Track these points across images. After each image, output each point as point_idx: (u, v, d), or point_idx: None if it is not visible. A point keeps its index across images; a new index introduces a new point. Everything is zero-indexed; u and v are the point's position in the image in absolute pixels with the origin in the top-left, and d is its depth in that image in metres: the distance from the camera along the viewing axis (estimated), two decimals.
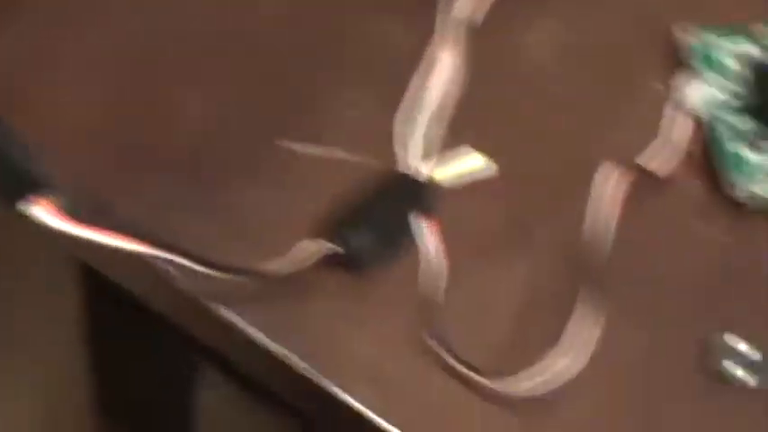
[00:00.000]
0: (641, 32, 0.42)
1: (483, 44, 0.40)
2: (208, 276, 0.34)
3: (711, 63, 0.40)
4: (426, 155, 0.38)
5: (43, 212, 0.29)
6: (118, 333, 0.62)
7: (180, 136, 0.38)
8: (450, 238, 0.37)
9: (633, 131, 0.40)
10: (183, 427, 0.70)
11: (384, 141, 0.38)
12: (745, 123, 0.39)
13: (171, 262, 0.34)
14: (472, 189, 0.38)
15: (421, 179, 0.37)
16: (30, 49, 0.39)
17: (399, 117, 0.39)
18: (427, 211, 0.37)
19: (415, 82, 0.39)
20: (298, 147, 0.38)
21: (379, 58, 0.41)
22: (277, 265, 0.34)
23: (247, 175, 0.38)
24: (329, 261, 0.35)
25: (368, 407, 0.34)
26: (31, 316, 0.75)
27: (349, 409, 0.35)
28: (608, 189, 0.37)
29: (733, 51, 0.40)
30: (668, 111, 0.40)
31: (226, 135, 0.39)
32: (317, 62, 0.40)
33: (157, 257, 0.33)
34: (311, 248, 0.35)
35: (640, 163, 0.39)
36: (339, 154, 0.38)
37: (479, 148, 0.39)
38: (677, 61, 0.41)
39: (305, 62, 0.40)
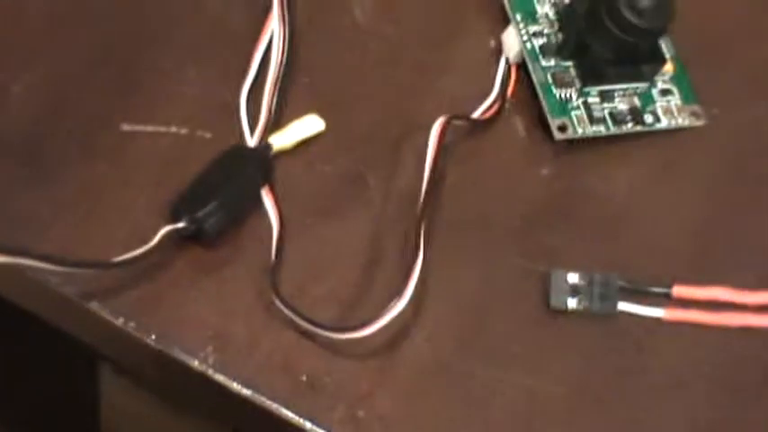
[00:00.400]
0: None
1: (310, 7, 0.42)
2: (66, 273, 0.35)
3: (530, 11, 0.42)
4: (264, 123, 0.39)
5: None
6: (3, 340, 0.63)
7: (14, 121, 0.39)
8: (291, 200, 0.38)
9: (459, 80, 0.42)
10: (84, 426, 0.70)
11: (222, 114, 0.39)
12: (563, 66, 0.41)
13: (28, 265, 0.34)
14: (306, 149, 0.40)
15: (262, 148, 0.38)
16: None
17: (244, 89, 0.40)
18: (268, 179, 0.38)
19: (254, 54, 0.40)
20: (135, 126, 0.39)
21: (205, 30, 0.41)
22: (137, 253, 0.35)
23: (86, 157, 0.38)
24: (178, 237, 0.36)
25: (217, 370, 0.35)
26: None
27: (201, 374, 0.36)
28: (435, 137, 0.38)
29: (551, 0, 0.42)
30: (491, 59, 0.42)
31: (58, 115, 0.39)
32: (147, 41, 0.41)
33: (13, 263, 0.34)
34: (167, 230, 0.36)
35: (466, 110, 0.41)
36: (173, 129, 0.39)
37: (310, 109, 0.40)
38: (500, 13, 0.43)
39: (136, 41, 0.41)
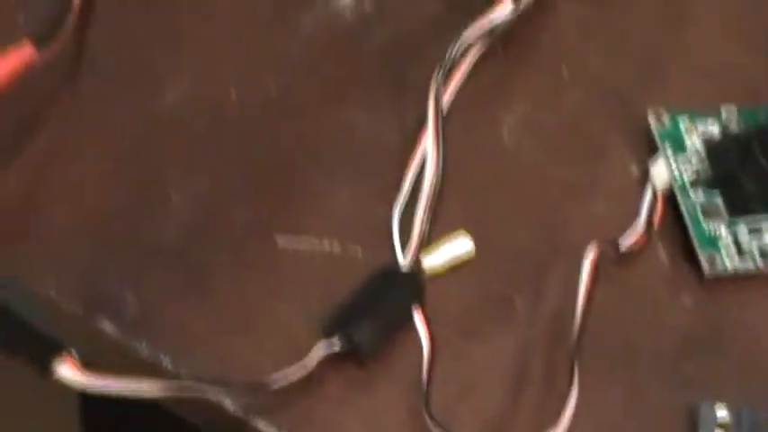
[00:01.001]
0: (609, 114, 0.44)
1: (458, 127, 0.43)
2: (231, 393, 0.36)
3: (678, 143, 0.43)
4: (417, 243, 0.40)
5: (71, 372, 0.30)
6: None
7: (172, 229, 0.40)
8: (438, 318, 0.39)
9: (604, 205, 0.42)
10: None
11: (372, 232, 0.40)
12: (709, 198, 0.42)
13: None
14: (454, 269, 0.40)
15: (417, 271, 0.39)
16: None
17: (396, 209, 0.40)
18: (420, 299, 0.38)
19: (407, 175, 0.41)
20: (287, 239, 0.40)
21: (358, 149, 0.42)
22: (289, 372, 0.36)
23: (240, 268, 0.39)
24: (333, 355, 0.37)
25: None
26: None
27: None
28: (589, 265, 0.39)
29: (697, 131, 0.43)
30: (637, 185, 0.43)
31: (213, 228, 0.40)
32: (302, 158, 0.42)
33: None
34: (323, 348, 0.37)
35: (611, 235, 0.41)
36: (325, 245, 0.40)
37: (458, 228, 0.41)
38: (648, 142, 0.43)
39: (291, 158, 0.42)
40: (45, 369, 0.30)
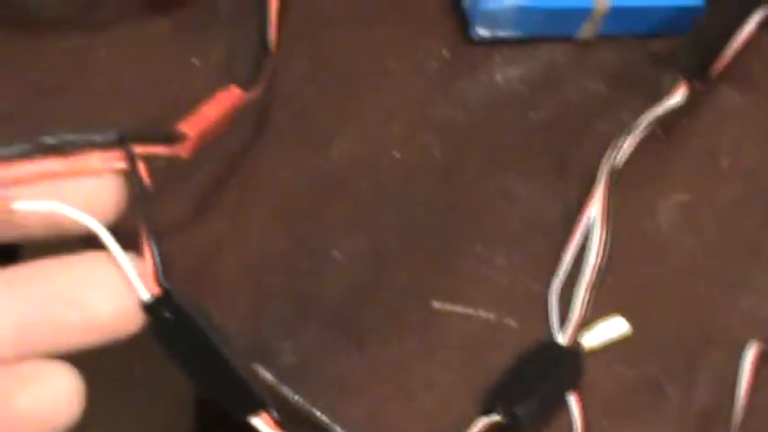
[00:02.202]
0: None
1: (615, 212, 0.43)
2: None
3: None
4: (577, 320, 0.40)
5: (265, 427, 0.31)
6: None
7: (333, 287, 0.41)
8: (589, 398, 0.39)
9: (758, 299, 0.43)
10: None
11: (529, 305, 0.41)
12: None
13: None
14: (607, 350, 0.41)
15: (573, 348, 0.40)
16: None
17: (554, 284, 0.41)
18: (577, 379, 0.39)
19: (567, 250, 0.41)
20: (445, 305, 0.41)
21: (517, 221, 0.43)
22: None
23: (397, 329, 0.40)
24: (491, 428, 0.38)
25: None
26: None
27: None
28: (750, 362, 0.39)
29: None
30: None
31: (372, 285, 0.41)
32: (461, 224, 0.43)
33: None
34: (485, 422, 0.37)
35: (765, 332, 0.41)
36: (481, 313, 0.41)
37: (612, 310, 0.41)
38: None
39: (449, 224, 0.43)
40: (244, 416, 0.31)
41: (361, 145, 0.44)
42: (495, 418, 0.37)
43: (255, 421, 0.30)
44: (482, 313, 0.41)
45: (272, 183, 0.42)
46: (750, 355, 0.39)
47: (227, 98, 0.35)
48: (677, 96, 0.42)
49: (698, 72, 0.43)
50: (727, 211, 0.44)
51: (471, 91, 0.45)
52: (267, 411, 0.30)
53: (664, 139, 0.45)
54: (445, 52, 0.46)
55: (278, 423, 0.30)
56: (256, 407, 0.30)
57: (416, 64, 0.45)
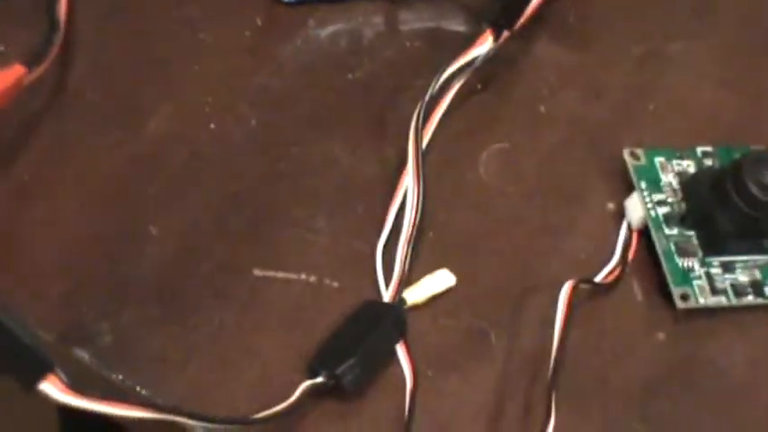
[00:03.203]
0: (586, 153, 0.45)
1: (437, 164, 0.43)
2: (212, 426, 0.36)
3: (653, 181, 0.43)
4: (399, 277, 0.40)
5: (54, 390, 0.30)
6: None
7: (151, 263, 0.40)
8: (416, 353, 0.39)
9: (580, 242, 0.43)
10: None
11: (351, 266, 0.40)
12: (684, 235, 0.42)
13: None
14: (432, 303, 0.41)
15: (400, 305, 0.39)
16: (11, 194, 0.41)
17: (379, 244, 0.41)
18: (403, 334, 0.39)
19: (389, 210, 0.41)
20: (266, 272, 0.40)
21: (336, 185, 0.42)
22: (276, 409, 0.36)
23: (218, 301, 0.39)
24: (316, 390, 0.37)
25: None
26: None
27: None
28: (564, 302, 0.39)
29: (672, 169, 0.44)
30: (612, 223, 0.43)
31: (192, 260, 0.40)
32: (279, 190, 0.42)
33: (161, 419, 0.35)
34: (308, 385, 0.37)
35: (586, 272, 0.41)
36: (303, 277, 0.40)
37: (436, 264, 0.41)
38: (624, 180, 0.44)
39: (268, 191, 0.42)
40: (31, 384, 0.30)
41: (177, 119, 0.43)
42: (319, 380, 0.37)
43: (44, 386, 0.29)
44: (304, 277, 0.40)
45: (84, 161, 0.41)
46: (563, 293, 0.39)
47: (9, 75, 0.34)
48: (484, 45, 0.42)
49: (504, 19, 0.43)
50: (547, 158, 0.44)
51: (286, 57, 0.45)
52: (55, 374, 0.29)
53: (481, 90, 0.45)
54: (258, 20, 0.45)
55: (68, 386, 0.29)
56: (44, 371, 0.29)
57: (229, 34, 0.45)
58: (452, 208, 0.43)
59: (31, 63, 0.36)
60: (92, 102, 0.43)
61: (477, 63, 0.43)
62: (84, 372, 0.37)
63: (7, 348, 0.29)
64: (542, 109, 0.45)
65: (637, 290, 0.42)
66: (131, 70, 0.44)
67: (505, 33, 0.43)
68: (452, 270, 0.41)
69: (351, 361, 0.37)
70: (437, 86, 0.42)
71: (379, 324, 0.39)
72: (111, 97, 0.43)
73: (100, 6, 0.44)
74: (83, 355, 0.37)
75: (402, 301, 0.40)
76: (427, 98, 0.42)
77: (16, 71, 0.35)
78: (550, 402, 0.37)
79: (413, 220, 0.40)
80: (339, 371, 0.37)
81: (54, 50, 0.39)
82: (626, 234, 0.42)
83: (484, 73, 0.45)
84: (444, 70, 0.42)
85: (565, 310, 0.39)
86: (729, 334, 0.42)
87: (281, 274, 0.40)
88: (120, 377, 0.37)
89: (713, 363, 0.41)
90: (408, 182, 0.41)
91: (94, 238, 0.40)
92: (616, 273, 0.42)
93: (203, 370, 0.38)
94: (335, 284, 0.40)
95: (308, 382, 0.37)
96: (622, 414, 0.39)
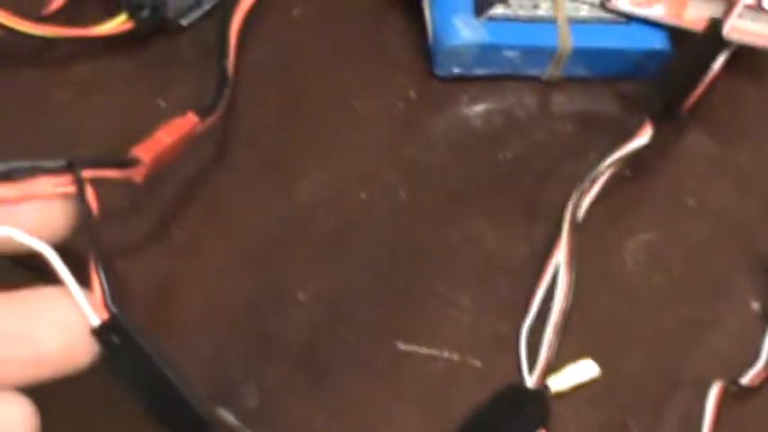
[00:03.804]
0: (734, 248, 0.44)
1: (584, 252, 0.42)
2: None
3: None
4: (545, 363, 0.40)
5: None
6: None
7: (297, 327, 0.40)
8: None
9: (724, 340, 0.42)
10: None
11: (495, 348, 0.40)
12: None
13: None
14: (574, 392, 0.40)
15: (543, 392, 0.39)
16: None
17: (523, 325, 0.40)
18: (545, 423, 0.38)
19: (536, 293, 0.41)
20: (410, 346, 0.40)
21: (482, 262, 0.42)
22: None
23: (360, 369, 0.39)
24: None
25: None
26: None
27: None
28: (713, 403, 0.39)
29: None
30: (757, 321, 0.43)
31: (335, 327, 0.40)
32: (426, 265, 0.42)
33: None
34: None
35: (731, 372, 0.41)
36: (446, 354, 0.40)
37: (580, 350, 0.41)
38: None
39: (414, 264, 0.42)
40: None
41: (327, 185, 0.43)
42: None
43: None
44: (447, 354, 0.40)
45: (236, 221, 0.42)
46: (713, 394, 0.38)
47: (183, 124, 0.35)
48: (643, 137, 0.42)
49: (664, 113, 0.43)
50: (694, 251, 0.44)
51: (437, 131, 0.45)
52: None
53: (631, 178, 0.45)
54: (412, 92, 0.46)
55: None
56: (203, 430, 0.30)
57: (383, 104, 0.45)
58: (598, 295, 0.42)
59: (202, 114, 0.36)
60: (247, 159, 0.43)
61: (631, 154, 0.43)
62: None
63: (170, 404, 0.29)
64: (690, 201, 0.45)
65: None
66: (286, 131, 0.44)
67: (665, 126, 0.43)
68: (595, 358, 0.41)
69: None
70: (595, 174, 0.42)
71: (523, 410, 0.38)
72: (264, 156, 0.44)
73: (261, 65, 0.45)
74: (228, 415, 0.38)
75: (546, 388, 0.39)
76: (585, 185, 0.41)
77: (190, 120, 0.35)
78: None
79: (562, 307, 0.40)
80: None
81: (224, 103, 0.39)
82: None
83: (634, 160, 0.45)
84: (605, 159, 0.42)
85: (714, 408, 0.38)
86: None
87: (423, 349, 0.40)
88: None
89: None
90: (561, 266, 0.41)
91: (240, 297, 0.40)
92: (763, 375, 0.41)
93: None
94: (478, 364, 0.40)
95: None
96: None
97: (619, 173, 0.44)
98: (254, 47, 0.45)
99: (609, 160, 0.42)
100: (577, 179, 0.43)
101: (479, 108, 0.46)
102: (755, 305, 0.43)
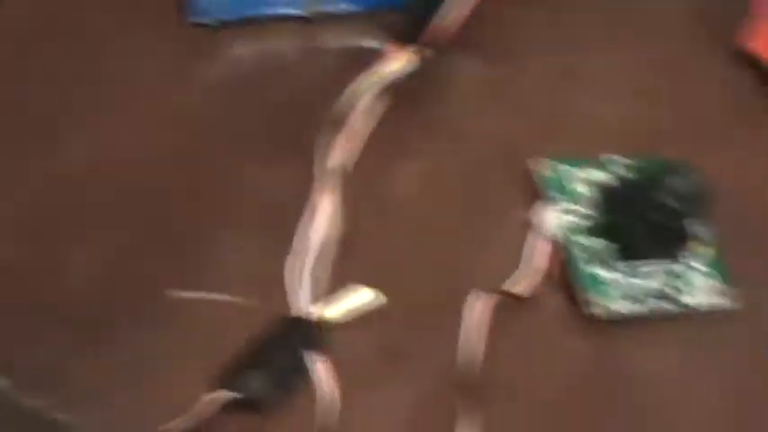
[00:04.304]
0: (503, 167, 0.45)
1: (356, 185, 0.43)
2: None
3: (565, 191, 0.44)
4: (315, 295, 0.40)
5: None
6: None
7: (71, 289, 0.40)
8: (335, 370, 0.39)
9: (498, 257, 0.43)
10: None
11: (270, 285, 0.41)
12: (597, 244, 0.43)
13: None
14: (350, 320, 0.41)
15: (312, 320, 0.40)
16: None
17: (288, 262, 0.41)
18: (320, 350, 0.39)
19: (299, 228, 0.41)
20: (185, 293, 0.40)
21: (256, 204, 0.43)
22: (181, 422, 0.36)
23: (136, 323, 0.39)
24: (229, 406, 0.37)
25: None
26: None
27: None
28: (476, 313, 0.40)
29: (584, 179, 0.44)
30: (529, 236, 0.44)
31: (112, 285, 0.40)
32: (199, 208, 0.42)
33: None
34: (212, 398, 0.37)
35: (505, 286, 0.42)
36: (226, 298, 0.41)
37: (354, 280, 0.41)
38: (536, 191, 0.45)
39: (187, 208, 0.42)
40: None
41: (95, 143, 0.43)
42: (228, 394, 0.37)
43: None
44: (229, 297, 0.40)
45: (2, 181, 0.41)
46: (479, 304, 0.39)
47: None
48: (396, 64, 0.43)
49: (414, 39, 0.43)
50: (466, 174, 0.45)
51: (206, 78, 0.45)
52: None
53: (400, 106, 0.45)
54: (173, 42, 0.46)
55: None
56: None
57: (143, 56, 0.45)
58: (370, 225, 0.43)
59: None
60: (7, 125, 0.43)
61: (389, 81, 0.43)
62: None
63: None
64: (458, 125, 0.46)
65: (551, 301, 0.42)
66: (45, 94, 0.44)
67: (417, 50, 0.43)
68: (376, 285, 0.41)
69: (260, 375, 0.37)
70: (346, 105, 0.43)
71: (292, 339, 0.39)
72: (27, 120, 0.43)
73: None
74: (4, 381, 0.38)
75: (317, 317, 0.40)
76: (334, 116, 0.42)
77: None
78: (469, 416, 0.38)
79: (328, 236, 0.41)
80: (248, 384, 0.37)
81: None
82: (539, 245, 0.43)
83: (403, 89, 0.45)
84: (348, 87, 0.43)
85: (480, 321, 0.39)
86: (649, 342, 0.42)
87: (203, 295, 0.40)
88: (38, 401, 0.37)
89: (633, 372, 0.41)
90: (319, 200, 0.41)
91: (11, 260, 0.40)
92: (531, 284, 0.42)
93: (123, 394, 0.38)
94: (253, 303, 0.40)
95: (214, 395, 0.37)
96: (544, 428, 0.40)
97: (391, 104, 0.45)
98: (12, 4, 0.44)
99: (356, 88, 0.42)
100: None
101: (245, 51, 0.46)
102: (525, 217, 0.44)
